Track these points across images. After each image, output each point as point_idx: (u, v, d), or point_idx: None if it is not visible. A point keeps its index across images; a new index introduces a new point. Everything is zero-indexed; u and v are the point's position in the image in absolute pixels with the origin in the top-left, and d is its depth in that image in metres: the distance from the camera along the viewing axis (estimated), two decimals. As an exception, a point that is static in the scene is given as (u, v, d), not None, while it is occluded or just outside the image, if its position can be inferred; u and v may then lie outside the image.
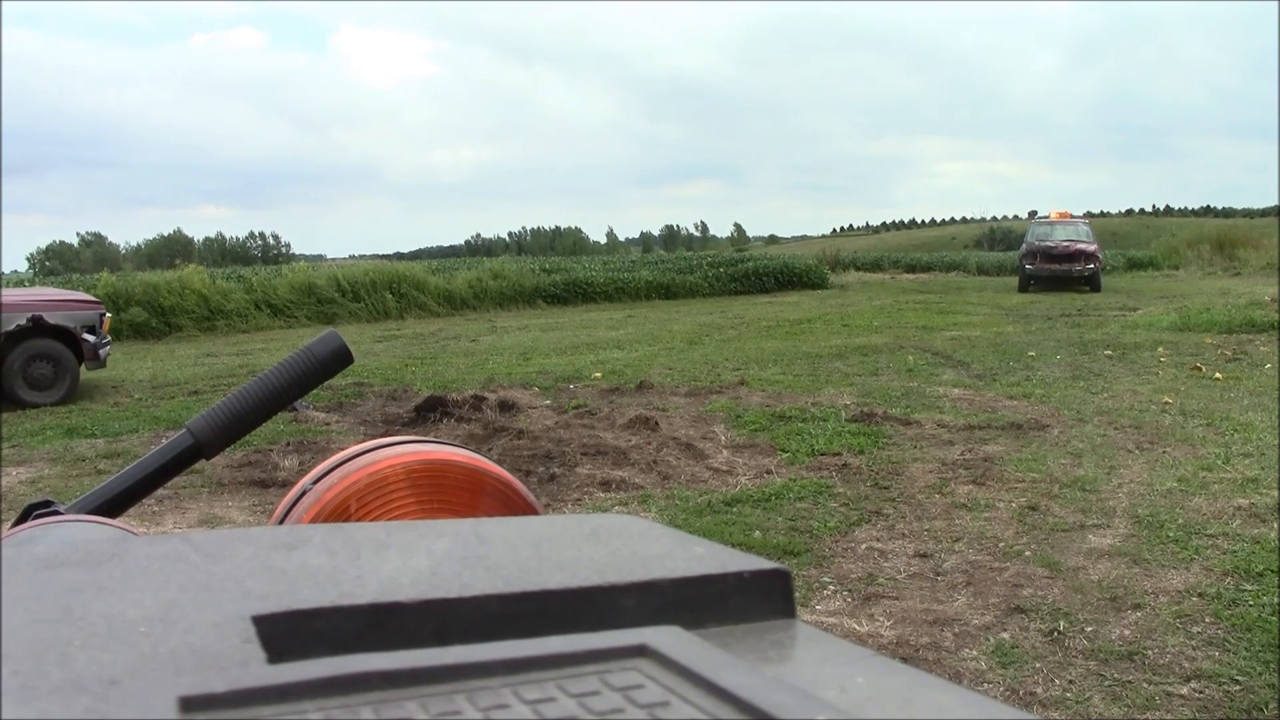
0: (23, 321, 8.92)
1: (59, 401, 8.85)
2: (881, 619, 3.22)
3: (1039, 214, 25.16)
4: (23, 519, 0.70)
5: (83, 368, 9.18)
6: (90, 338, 9.17)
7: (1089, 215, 30.32)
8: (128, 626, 0.31)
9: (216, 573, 0.36)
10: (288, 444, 6.13)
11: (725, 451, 5.69)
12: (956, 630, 3.11)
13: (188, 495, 4.99)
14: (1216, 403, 6.87)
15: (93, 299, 9.90)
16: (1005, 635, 3.05)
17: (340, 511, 0.58)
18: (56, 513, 0.71)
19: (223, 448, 0.79)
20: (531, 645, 0.30)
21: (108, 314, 9.85)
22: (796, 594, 0.37)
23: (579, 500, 4.77)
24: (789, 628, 0.35)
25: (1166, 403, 6.85)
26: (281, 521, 0.59)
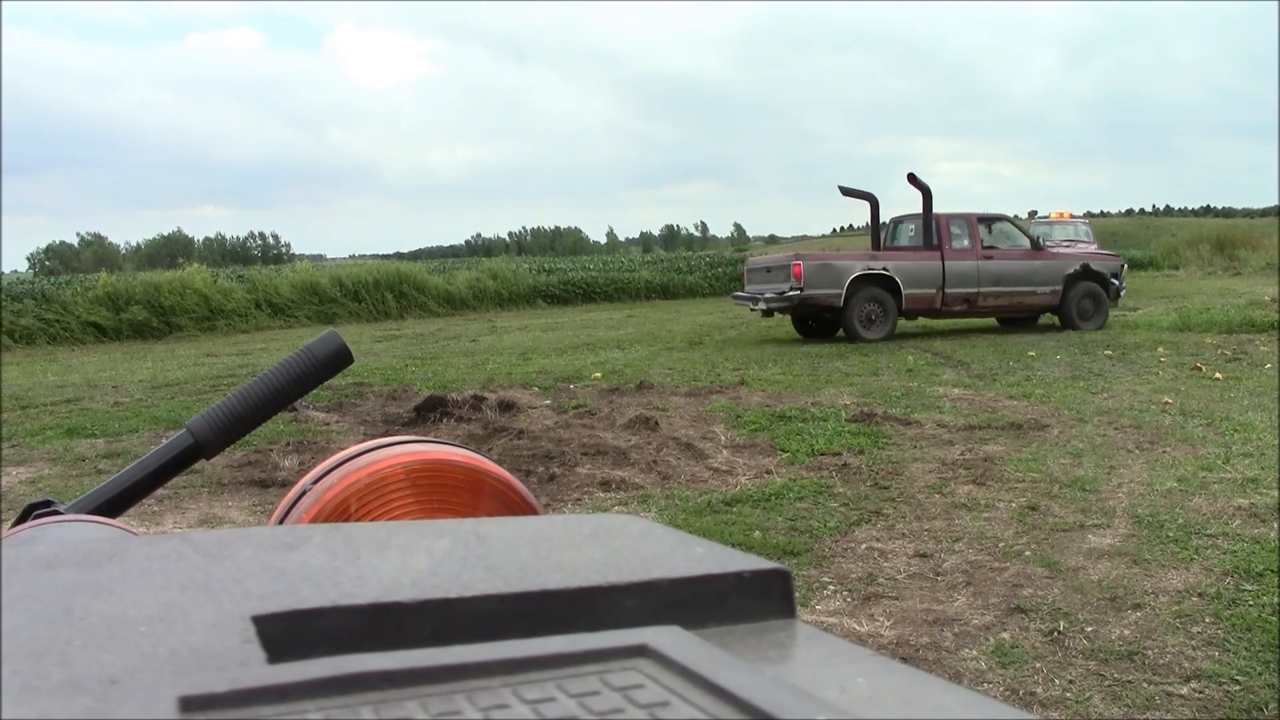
0: (1076, 267, 12.47)
1: (1098, 328, 12.38)
2: (881, 619, 3.22)
3: (1039, 214, 25.18)
4: (23, 519, 0.70)
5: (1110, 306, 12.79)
6: (1115, 281, 12.68)
7: (1089, 215, 30.31)
8: (128, 626, 0.31)
9: (216, 573, 0.36)
10: (288, 444, 6.13)
11: (725, 451, 5.69)
12: (956, 630, 3.11)
13: (188, 495, 4.99)
14: (1216, 403, 6.87)
15: (1115, 254, 14.05)
16: (1005, 635, 3.05)
17: (340, 511, 0.58)
18: (56, 513, 0.71)
19: (223, 448, 0.79)
20: (531, 645, 0.30)
21: (1125, 264, 13.82)
22: (796, 594, 0.37)
23: (579, 500, 4.77)
24: (789, 628, 0.35)
25: (1166, 403, 6.85)
26: (281, 521, 0.59)
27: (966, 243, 12.37)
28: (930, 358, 10.02)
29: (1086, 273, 12.56)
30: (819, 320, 12.61)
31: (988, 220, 12.81)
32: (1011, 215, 13.59)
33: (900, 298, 11.91)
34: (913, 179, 12.45)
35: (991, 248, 12.53)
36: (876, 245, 13.24)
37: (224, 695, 0.26)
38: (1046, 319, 13.28)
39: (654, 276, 24.99)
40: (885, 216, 13.81)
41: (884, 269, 11.86)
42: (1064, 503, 4.46)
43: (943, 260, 12.12)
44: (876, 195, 13.17)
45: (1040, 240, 12.76)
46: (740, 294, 13.24)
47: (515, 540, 0.41)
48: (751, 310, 12.78)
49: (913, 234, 12.94)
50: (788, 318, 13.11)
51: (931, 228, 12.33)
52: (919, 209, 12.75)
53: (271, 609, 0.32)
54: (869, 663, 0.31)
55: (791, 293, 11.64)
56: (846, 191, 13.52)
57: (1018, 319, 13.18)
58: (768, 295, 11.99)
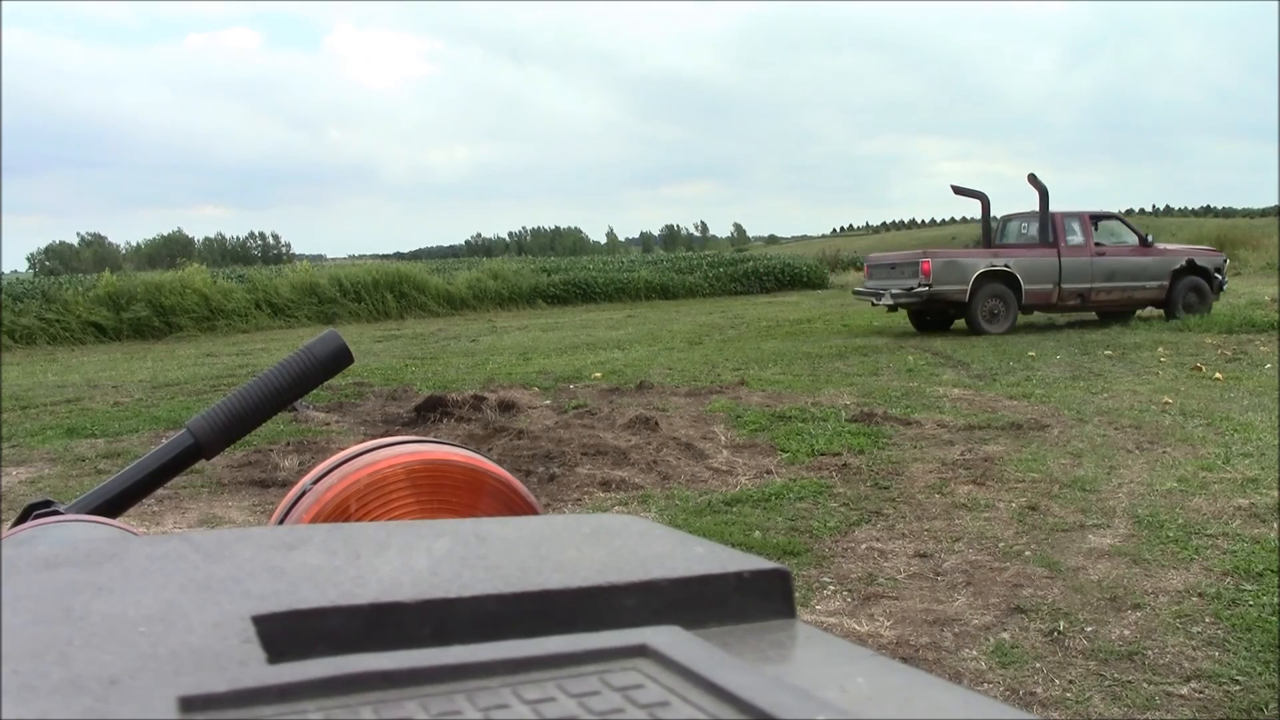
0: (1182, 263, 13.10)
1: (1199, 315, 12.74)
2: (881, 619, 3.22)
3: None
4: (23, 519, 0.70)
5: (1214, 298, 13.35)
6: (1218, 276, 13.36)
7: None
8: (128, 626, 0.31)
9: (216, 573, 0.36)
10: (288, 444, 6.13)
11: (725, 451, 5.69)
12: (956, 630, 3.11)
13: (188, 495, 4.99)
14: (1216, 403, 6.87)
15: (1217, 249, 14.60)
16: (1005, 635, 3.05)
17: (340, 511, 0.58)
18: (56, 513, 0.71)
19: (223, 448, 0.79)
20: (531, 645, 0.30)
21: (1227, 259, 14.35)
22: (796, 594, 0.37)
23: (579, 500, 4.77)
24: (789, 628, 0.35)
25: (1166, 403, 6.85)
26: (281, 521, 0.59)
27: (1080, 239, 12.85)
28: (930, 358, 10.02)
29: (1191, 268, 13.12)
30: (936, 315, 13.16)
31: (1098, 218, 13.28)
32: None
33: (1020, 293, 12.46)
34: (1033, 179, 13.00)
35: (1101, 244, 13.01)
36: (988, 242, 13.83)
37: (224, 695, 0.26)
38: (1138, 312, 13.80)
39: (654, 276, 24.99)
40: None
41: (1006, 265, 12.42)
42: (1064, 503, 4.46)
43: (1059, 257, 12.65)
44: (988, 194, 13.90)
45: (1148, 237, 13.17)
46: (861, 289, 13.83)
47: (515, 540, 0.41)
48: (874, 305, 13.29)
49: (1024, 231, 13.47)
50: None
51: (1048, 225, 12.84)
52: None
53: (271, 609, 0.32)
54: (869, 663, 0.31)
55: (920, 289, 12.25)
56: (959, 190, 14.26)
57: (1119, 313, 13.62)
58: (894, 291, 12.55)
